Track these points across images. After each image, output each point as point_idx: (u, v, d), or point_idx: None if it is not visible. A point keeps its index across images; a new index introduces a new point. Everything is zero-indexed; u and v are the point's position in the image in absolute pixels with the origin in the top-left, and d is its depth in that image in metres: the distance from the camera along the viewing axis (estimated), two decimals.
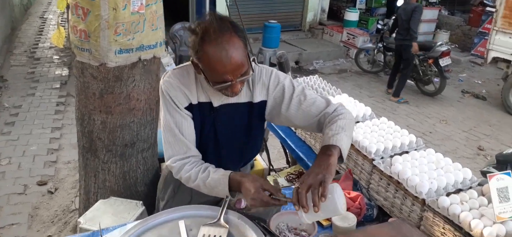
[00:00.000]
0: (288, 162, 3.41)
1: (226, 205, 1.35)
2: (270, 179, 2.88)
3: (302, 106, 1.67)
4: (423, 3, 9.69)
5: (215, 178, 1.48)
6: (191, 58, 1.50)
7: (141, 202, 2.52)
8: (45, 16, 11.95)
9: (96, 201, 2.63)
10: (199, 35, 1.38)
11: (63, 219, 3.37)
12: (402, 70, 7.04)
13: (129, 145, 2.67)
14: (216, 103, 1.61)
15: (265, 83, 1.68)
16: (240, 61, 1.40)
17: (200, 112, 1.60)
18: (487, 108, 6.97)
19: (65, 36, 2.73)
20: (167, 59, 5.78)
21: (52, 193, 3.81)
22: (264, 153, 3.42)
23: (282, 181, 2.85)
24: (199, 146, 1.64)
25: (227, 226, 1.27)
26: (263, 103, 1.69)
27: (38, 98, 6.06)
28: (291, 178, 2.83)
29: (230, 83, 1.41)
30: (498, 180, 1.58)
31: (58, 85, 6.58)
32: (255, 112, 1.69)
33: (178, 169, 1.55)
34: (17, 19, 10.63)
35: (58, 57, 8.10)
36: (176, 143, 1.56)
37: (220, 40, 1.36)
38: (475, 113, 6.69)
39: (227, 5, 7.30)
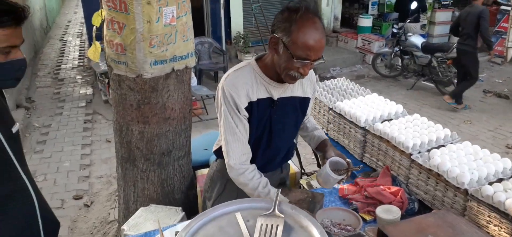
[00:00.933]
0: (319, 166, 3.44)
1: (278, 197, 1.41)
2: (302, 182, 2.92)
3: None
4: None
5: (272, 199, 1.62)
6: (272, 37, 1.61)
7: (180, 208, 2.58)
8: (64, 39, 12.27)
9: (136, 209, 2.70)
10: (301, 11, 1.54)
11: (101, 230, 3.46)
12: (462, 77, 6.61)
13: (166, 153, 2.75)
14: (276, 97, 1.73)
15: (312, 82, 1.89)
16: (322, 47, 1.58)
17: (259, 108, 1.71)
18: (511, 107, 6.89)
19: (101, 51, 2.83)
20: None
21: (88, 206, 3.92)
22: (295, 157, 3.47)
23: (315, 183, 2.88)
24: (255, 136, 1.76)
25: (283, 216, 1.32)
26: (308, 100, 1.87)
27: (66, 117, 6.23)
28: None
29: (308, 61, 1.55)
30: None
31: (83, 104, 6.76)
32: (302, 107, 1.86)
33: (238, 172, 1.69)
34: (39, 43, 10.95)
35: (81, 77, 8.32)
36: (235, 141, 1.69)
37: (316, 20, 1.55)
38: (499, 112, 6.62)
39: (254, 15, 7.43)
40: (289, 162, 3.13)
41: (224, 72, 8.16)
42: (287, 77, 1.63)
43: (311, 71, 1.86)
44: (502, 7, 9.63)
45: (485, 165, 1.88)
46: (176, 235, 1.64)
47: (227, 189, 1.88)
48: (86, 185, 4.32)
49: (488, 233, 1.65)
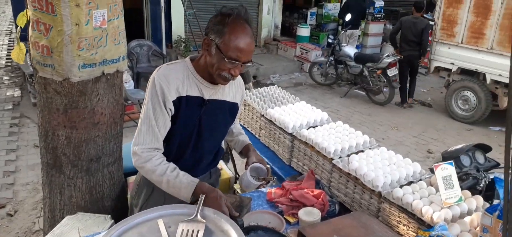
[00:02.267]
0: None
1: (202, 203, 1.44)
2: (236, 186, 2.98)
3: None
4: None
5: (183, 181, 1.66)
6: (205, 38, 1.72)
7: (109, 216, 2.52)
8: None
9: (62, 218, 2.60)
10: (232, 15, 1.63)
11: None
12: (414, 75, 7.75)
13: (94, 159, 2.68)
14: (207, 97, 1.79)
15: (241, 89, 1.99)
16: (252, 50, 1.69)
17: (188, 105, 1.75)
18: (433, 114, 7.45)
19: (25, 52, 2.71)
20: (125, 76, 5.75)
21: (11, 215, 3.69)
22: (230, 163, 3.51)
23: None
24: (182, 136, 1.79)
25: (204, 221, 1.36)
26: (237, 106, 1.95)
27: None
28: None
29: (238, 63, 1.64)
30: (443, 169, 1.78)
31: (10, 107, 6.35)
32: (231, 112, 1.93)
33: (144, 159, 1.68)
34: None
35: (8, 78, 7.80)
36: (149, 132, 1.70)
37: (246, 26, 1.67)
38: (422, 120, 7.13)
39: (187, 19, 7.39)
40: (224, 167, 3.19)
41: None
42: (219, 77, 1.70)
43: (242, 80, 1.96)
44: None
45: (397, 169, 2.05)
46: None
47: (154, 195, 1.87)
48: (9, 193, 4.07)
49: (398, 232, 1.80)
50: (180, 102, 1.73)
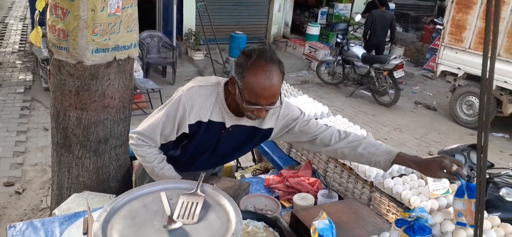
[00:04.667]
0: (254, 160, 3.62)
1: (202, 179, 1.55)
2: (237, 175, 3.08)
3: (306, 127, 1.85)
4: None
5: (166, 175, 1.79)
6: (231, 77, 1.67)
7: (114, 195, 2.64)
8: (6, 22, 11.66)
9: (69, 196, 2.73)
10: (253, 57, 1.56)
11: (32, 217, 3.41)
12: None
13: (102, 141, 2.80)
14: (228, 124, 1.77)
15: (275, 113, 1.82)
16: (277, 92, 1.60)
17: (207, 130, 1.75)
18: (437, 118, 7.50)
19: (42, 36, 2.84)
20: (135, 65, 5.88)
21: (20, 193, 3.83)
22: None
23: (248, 176, 3.06)
24: (195, 150, 1.84)
25: (203, 195, 1.46)
26: (270, 130, 1.85)
27: (1, 103, 5.98)
28: (257, 173, 3.04)
29: (259, 107, 1.59)
30: None
31: (22, 90, 6.51)
32: (258, 136, 1.86)
33: (138, 144, 1.79)
34: None
35: (21, 62, 7.98)
36: (150, 133, 1.75)
37: (268, 68, 1.55)
38: (426, 123, 7.19)
39: (198, 13, 7.50)
40: None
41: (173, 67, 8.02)
42: (246, 115, 1.69)
43: (285, 107, 1.86)
44: (438, 26, 10.44)
45: None
46: None
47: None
48: (18, 172, 4.21)
49: (387, 220, 1.89)
50: (200, 125, 1.73)
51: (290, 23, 11.60)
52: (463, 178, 1.48)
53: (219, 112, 1.74)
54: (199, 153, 1.86)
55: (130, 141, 1.82)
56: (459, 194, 1.49)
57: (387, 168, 1.73)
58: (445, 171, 1.54)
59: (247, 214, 1.69)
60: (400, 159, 1.70)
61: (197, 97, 1.69)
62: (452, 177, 1.53)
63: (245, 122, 1.78)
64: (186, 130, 1.72)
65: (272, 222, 1.66)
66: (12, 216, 3.50)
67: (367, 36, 8.74)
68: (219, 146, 1.83)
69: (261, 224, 1.64)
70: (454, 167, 1.51)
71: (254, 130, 1.82)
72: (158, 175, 1.79)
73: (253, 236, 1.56)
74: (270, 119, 1.82)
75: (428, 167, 1.60)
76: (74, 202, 2.60)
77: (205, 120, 1.72)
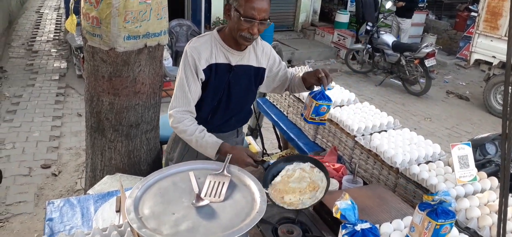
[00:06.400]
0: (280, 147, 3.66)
1: (229, 161, 1.60)
2: None
3: (280, 74, 2.22)
4: None
5: (208, 141, 1.88)
6: (226, 4, 1.90)
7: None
8: (41, 11, 12.08)
9: (102, 177, 2.84)
10: None
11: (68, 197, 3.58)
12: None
13: (134, 125, 2.89)
14: (233, 63, 1.97)
15: (267, 54, 2.14)
16: (267, 8, 1.84)
17: (217, 72, 1.96)
18: (470, 108, 7.30)
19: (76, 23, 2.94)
20: (165, 54, 6.00)
21: (56, 175, 4.02)
22: (259, 139, 3.67)
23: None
24: (213, 99, 2.00)
25: (230, 175, 1.51)
26: (263, 70, 2.12)
27: (38, 89, 6.25)
28: None
29: (254, 21, 1.80)
30: (460, 149, 1.84)
31: (57, 77, 6.78)
32: (257, 76, 2.11)
33: (178, 119, 1.91)
34: (14, 13, 10.76)
35: (56, 50, 8.28)
36: (183, 97, 1.92)
37: None
38: (458, 113, 7.01)
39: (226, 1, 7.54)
40: (252, 142, 3.35)
41: None
42: (240, 39, 1.86)
43: (267, 45, 2.15)
44: (472, 13, 10.09)
45: (417, 149, 2.12)
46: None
47: (190, 150, 2.06)
48: (54, 155, 4.41)
49: (412, 206, 1.89)
50: (210, 69, 1.94)
51: (318, 11, 11.48)
52: (324, 85, 1.94)
53: (222, 54, 1.96)
54: (216, 101, 2.02)
55: (171, 121, 1.94)
56: (314, 95, 1.93)
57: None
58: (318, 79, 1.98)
59: (294, 158, 1.85)
60: (304, 78, 2.12)
61: (198, 46, 1.93)
62: (318, 82, 2.00)
63: (246, 61, 2.02)
64: (203, 76, 1.92)
65: (317, 162, 1.81)
66: (49, 196, 3.68)
67: (361, 19, 8.87)
68: (231, 88, 2.01)
69: (307, 165, 1.78)
70: (322, 74, 1.97)
71: (253, 69, 2.07)
72: (202, 144, 1.88)
73: (301, 179, 1.72)
74: (263, 59, 2.11)
75: (308, 77, 2.07)
76: (107, 184, 2.71)
77: (213, 62, 1.94)
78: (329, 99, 1.95)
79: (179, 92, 1.93)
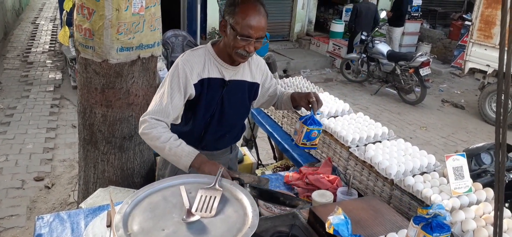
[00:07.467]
0: (275, 158, 3.63)
1: (220, 174, 1.57)
2: (258, 172, 3.10)
3: (270, 90, 2.20)
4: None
5: (185, 149, 1.76)
6: (221, 20, 1.85)
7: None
8: (37, 22, 12.07)
9: (95, 190, 2.81)
10: None
11: (60, 211, 3.52)
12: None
13: (127, 137, 2.87)
14: (227, 78, 1.92)
15: (261, 69, 2.11)
16: (264, 27, 1.79)
17: (210, 86, 1.89)
18: (465, 117, 7.31)
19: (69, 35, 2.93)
20: (160, 64, 5.99)
21: (49, 187, 3.97)
22: (254, 150, 3.65)
23: (269, 173, 3.07)
24: (206, 114, 1.94)
25: (221, 189, 1.49)
26: (258, 86, 2.09)
27: (33, 100, 6.21)
28: (277, 170, 3.05)
29: (250, 39, 1.75)
30: (454, 160, 1.83)
31: (52, 88, 6.74)
32: (252, 92, 2.07)
33: (152, 125, 1.78)
34: (10, 25, 10.74)
35: (51, 61, 8.25)
36: (162, 106, 1.81)
37: (257, 4, 1.78)
38: (453, 121, 7.02)
39: (220, 9, 7.56)
40: (247, 153, 3.33)
41: None
42: (236, 56, 1.81)
43: (261, 60, 2.12)
44: (466, 22, 10.16)
45: (412, 159, 2.11)
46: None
47: (180, 170, 2.01)
48: (48, 168, 4.37)
49: (407, 218, 1.87)
50: (202, 84, 1.87)
51: (314, 21, 11.54)
52: (315, 110, 1.93)
53: (215, 68, 1.90)
54: (208, 117, 1.95)
55: (143, 127, 1.80)
56: (305, 120, 1.92)
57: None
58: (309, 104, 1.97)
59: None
60: (293, 98, 2.11)
61: (192, 59, 1.86)
62: (307, 106, 1.99)
63: (240, 76, 1.97)
64: (193, 91, 1.85)
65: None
66: (42, 209, 3.63)
67: (353, 29, 8.94)
68: (224, 104, 1.95)
69: None
70: (313, 99, 1.95)
71: (247, 84, 2.03)
72: (176, 152, 1.76)
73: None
74: (258, 75, 2.07)
75: (298, 98, 2.06)
76: (100, 197, 2.68)
77: (205, 76, 1.87)
78: (319, 124, 1.94)
79: (159, 101, 1.82)
